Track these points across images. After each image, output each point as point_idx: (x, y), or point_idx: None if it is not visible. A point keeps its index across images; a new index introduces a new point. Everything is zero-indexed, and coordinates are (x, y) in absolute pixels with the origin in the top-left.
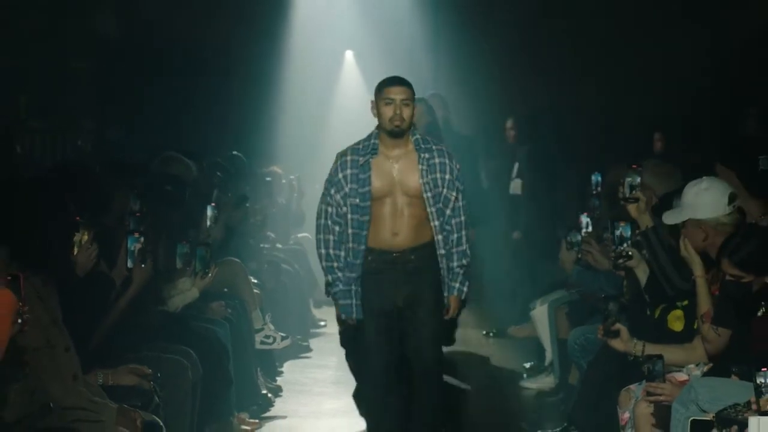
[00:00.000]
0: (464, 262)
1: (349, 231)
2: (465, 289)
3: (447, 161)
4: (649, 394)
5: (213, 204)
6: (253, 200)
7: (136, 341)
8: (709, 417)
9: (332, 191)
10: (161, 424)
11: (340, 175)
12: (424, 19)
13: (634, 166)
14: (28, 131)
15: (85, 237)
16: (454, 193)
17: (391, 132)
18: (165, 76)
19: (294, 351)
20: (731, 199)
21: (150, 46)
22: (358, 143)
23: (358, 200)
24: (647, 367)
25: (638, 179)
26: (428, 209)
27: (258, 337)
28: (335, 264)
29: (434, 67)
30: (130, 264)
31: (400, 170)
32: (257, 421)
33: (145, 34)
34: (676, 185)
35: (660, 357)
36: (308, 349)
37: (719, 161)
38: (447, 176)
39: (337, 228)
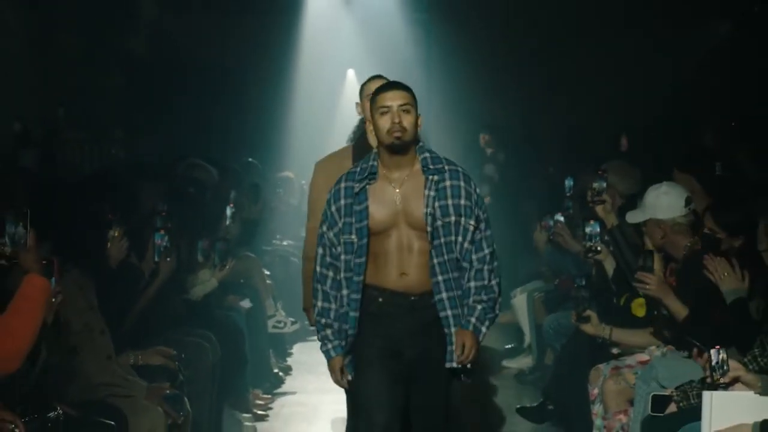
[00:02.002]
0: (484, 297)
1: (341, 276)
2: (483, 329)
3: (462, 184)
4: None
5: (231, 204)
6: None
7: (163, 326)
8: (668, 392)
9: (325, 228)
10: (185, 398)
11: (333, 208)
12: (417, 41)
13: (600, 172)
14: (67, 141)
15: (117, 233)
16: (473, 222)
17: (392, 147)
18: (188, 92)
19: (302, 334)
20: (687, 202)
21: (174, 65)
22: (356, 166)
23: (354, 237)
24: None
25: (604, 184)
26: (428, 244)
27: (270, 322)
28: (323, 320)
29: (427, 86)
30: (156, 258)
31: (404, 197)
32: (270, 396)
33: (170, 54)
34: (636, 185)
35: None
36: (315, 333)
37: (676, 167)
38: (462, 202)
39: (330, 273)
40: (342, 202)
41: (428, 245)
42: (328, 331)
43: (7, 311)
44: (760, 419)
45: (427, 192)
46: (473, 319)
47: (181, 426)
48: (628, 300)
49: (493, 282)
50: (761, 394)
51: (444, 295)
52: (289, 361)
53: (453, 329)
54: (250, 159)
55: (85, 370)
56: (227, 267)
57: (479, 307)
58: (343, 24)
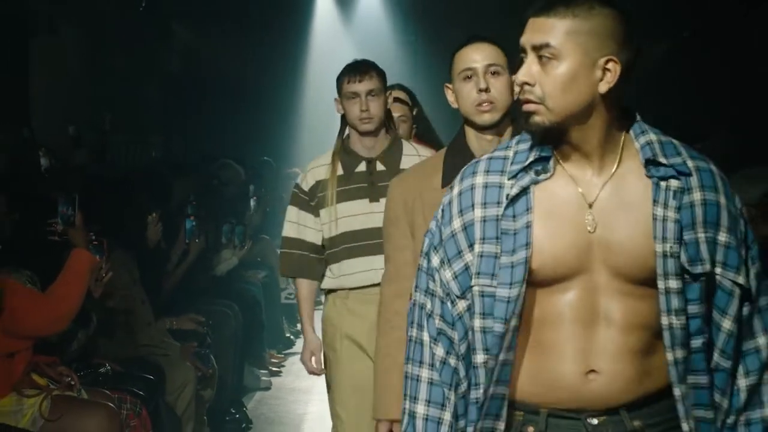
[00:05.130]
0: None
1: (478, 359)
2: None
3: (722, 199)
4: None
5: (255, 198)
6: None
7: (193, 297)
8: None
9: (435, 260)
10: (212, 357)
11: (457, 224)
12: (406, 60)
13: None
14: (113, 143)
15: (154, 219)
16: (742, 278)
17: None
18: (214, 102)
19: None
20: None
21: (203, 79)
22: (506, 147)
23: (496, 285)
24: None
25: None
26: (664, 321)
27: (283, 294)
28: None
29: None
30: (187, 240)
31: (602, 215)
32: (282, 355)
33: (199, 70)
34: None
35: None
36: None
37: None
38: (723, 237)
39: (440, 351)
40: (478, 212)
41: (647, 312)
42: None
43: (57, 281)
44: None
45: (660, 211)
46: None
47: (209, 379)
48: None
49: None
50: None
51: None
52: (299, 326)
53: None
54: (265, 157)
55: (129, 333)
56: (246, 248)
57: None
58: (344, 46)
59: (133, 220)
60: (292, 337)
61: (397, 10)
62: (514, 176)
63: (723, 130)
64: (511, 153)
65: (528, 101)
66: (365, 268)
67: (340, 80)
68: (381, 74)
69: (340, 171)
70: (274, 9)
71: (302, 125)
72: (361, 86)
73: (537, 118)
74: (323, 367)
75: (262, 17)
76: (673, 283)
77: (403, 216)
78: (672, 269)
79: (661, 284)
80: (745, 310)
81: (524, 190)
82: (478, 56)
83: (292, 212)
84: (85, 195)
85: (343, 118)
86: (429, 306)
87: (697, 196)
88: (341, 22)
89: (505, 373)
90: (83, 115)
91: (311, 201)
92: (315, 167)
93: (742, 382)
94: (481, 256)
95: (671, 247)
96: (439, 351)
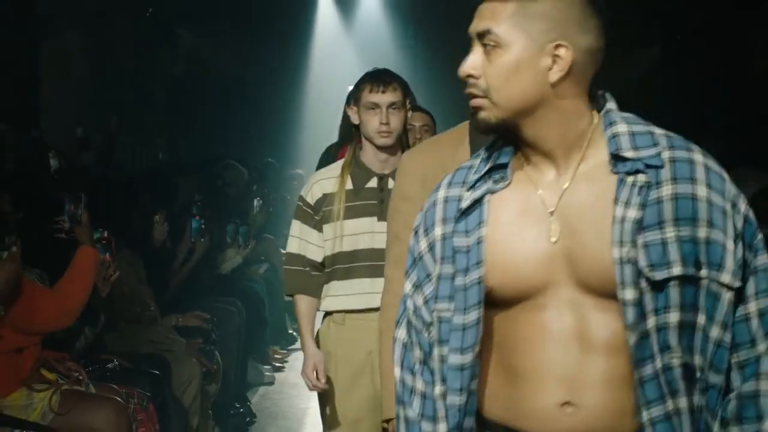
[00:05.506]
0: None
1: (436, 390)
2: None
3: (702, 191)
4: None
5: (258, 198)
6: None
7: (198, 295)
8: None
9: (409, 286)
10: (216, 353)
11: (423, 244)
12: (405, 63)
13: None
14: (119, 145)
15: (160, 219)
16: (729, 278)
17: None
18: (217, 105)
19: None
20: None
21: (206, 83)
22: (477, 155)
23: (451, 309)
24: None
25: None
26: (628, 336)
27: None
28: None
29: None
30: (192, 239)
31: (566, 222)
32: (285, 351)
33: (203, 75)
34: None
35: None
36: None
37: None
38: (702, 232)
39: (419, 385)
40: (438, 230)
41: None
42: None
43: (63, 277)
44: None
45: (620, 211)
46: None
47: (214, 374)
48: None
49: None
50: None
51: None
52: None
53: None
54: (269, 159)
55: (136, 330)
56: (250, 247)
57: None
58: (345, 49)
59: (139, 220)
60: (294, 333)
61: (397, 13)
62: (472, 186)
63: (713, 132)
64: (477, 161)
65: (472, 95)
66: (365, 290)
67: (359, 88)
68: (403, 86)
69: (349, 185)
70: (276, 13)
71: (304, 127)
72: (384, 98)
73: (482, 114)
74: (325, 381)
75: (265, 21)
76: (630, 293)
77: (420, 193)
78: (629, 277)
79: (619, 294)
80: (740, 313)
81: (477, 202)
82: None
83: (296, 227)
84: (92, 196)
85: (354, 127)
86: (404, 336)
87: (666, 190)
88: (342, 25)
89: (470, 405)
90: (90, 118)
91: (316, 215)
92: (322, 179)
93: (735, 392)
94: (440, 277)
95: (627, 251)
96: (419, 384)
